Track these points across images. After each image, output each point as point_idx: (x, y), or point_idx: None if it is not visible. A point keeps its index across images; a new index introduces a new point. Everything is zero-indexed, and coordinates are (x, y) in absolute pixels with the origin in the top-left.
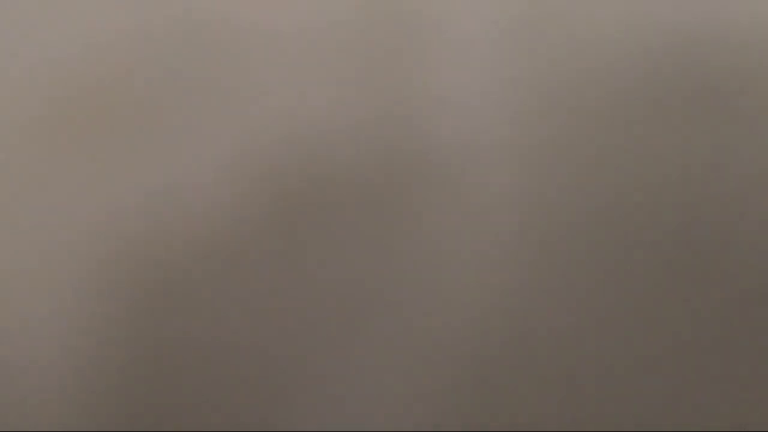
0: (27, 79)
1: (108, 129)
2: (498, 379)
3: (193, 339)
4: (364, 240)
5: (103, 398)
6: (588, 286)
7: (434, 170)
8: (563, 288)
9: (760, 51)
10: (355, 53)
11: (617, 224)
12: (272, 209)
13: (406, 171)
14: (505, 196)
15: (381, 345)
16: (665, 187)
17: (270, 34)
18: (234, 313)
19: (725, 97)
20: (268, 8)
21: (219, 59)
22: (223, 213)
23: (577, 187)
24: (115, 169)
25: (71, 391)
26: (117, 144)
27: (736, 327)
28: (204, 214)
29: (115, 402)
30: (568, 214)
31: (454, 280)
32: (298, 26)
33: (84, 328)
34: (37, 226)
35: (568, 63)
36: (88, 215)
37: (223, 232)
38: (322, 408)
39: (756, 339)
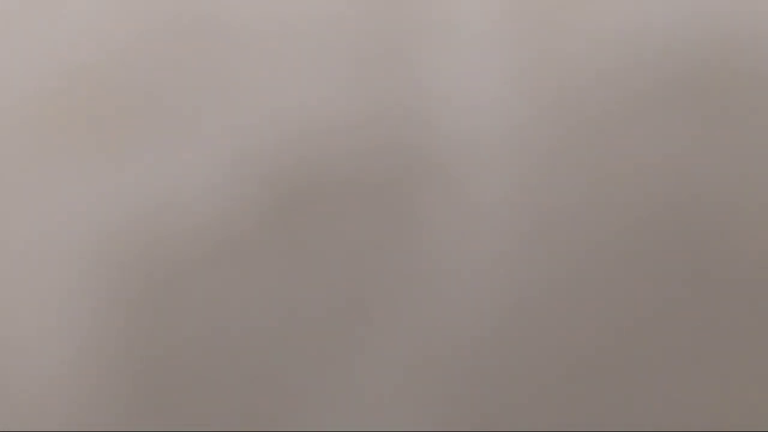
0: (26, 79)
1: (107, 128)
2: (498, 379)
3: (193, 339)
4: (364, 238)
5: (103, 398)
6: (588, 285)
7: (435, 168)
8: (563, 286)
9: (760, 51)
10: (355, 52)
11: (617, 223)
12: (272, 208)
13: (407, 169)
14: (505, 195)
15: (381, 344)
16: (665, 185)
17: (270, 33)
18: (234, 312)
19: (726, 97)
20: (267, 7)
21: (219, 59)
22: (224, 211)
23: (577, 186)
24: (115, 169)
25: (72, 391)
26: (116, 143)
27: (736, 327)
28: (204, 213)
29: (115, 402)
30: (569, 212)
31: (454, 278)
32: (298, 25)
33: (83, 327)
34: (37, 225)
35: (569, 63)
36: (88, 215)
37: (224, 231)
38: (323, 408)
39: (756, 339)
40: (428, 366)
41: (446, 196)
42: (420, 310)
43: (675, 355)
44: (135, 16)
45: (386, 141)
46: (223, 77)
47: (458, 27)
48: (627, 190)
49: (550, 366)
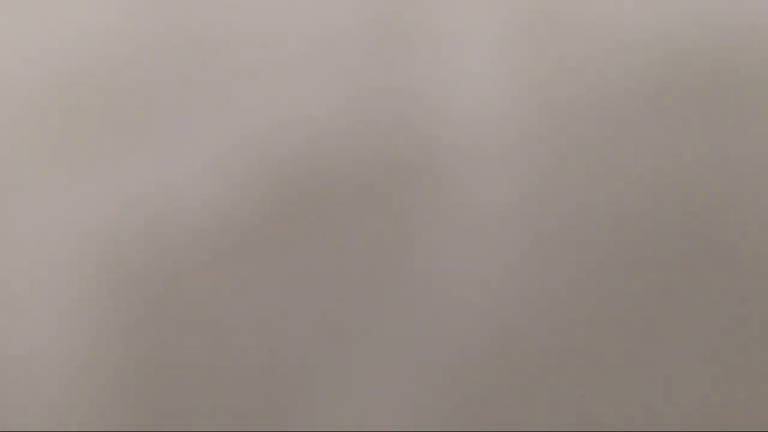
0: (25, 79)
1: (107, 129)
2: (497, 380)
3: (191, 339)
4: (362, 242)
5: (103, 398)
6: (587, 289)
7: (433, 172)
8: (562, 290)
9: (760, 52)
10: (354, 58)
11: (617, 227)
12: (271, 211)
13: (406, 173)
14: (503, 199)
15: (379, 345)
16: (666, 190)
17: (269, 35)
18: (232, 312)
19: (732, 100)
20: (267, 10)
21: (219, 60)
22: (223, 213)
23: (576, 190)
24: (115, 169)
25: (71, 391)
26: (116, 144)
27: (735, 327)
28: (203, 214)
29: (115, 402)
30: (568, 217)
31: (453, 282)
32: (298, 28)
33: (83, 327)
34: (36, 225)
35: (569, 67)
36: (87, 215)
37: (223, 232)
38: (322, 408)
39: (755, 339)
40: (427, 367)
41: (445, 199)
42: (419, 312)
43: (676, 358)
44: (136, 16)
45: (386, 144)
46: (222, 81)
47: (458, 33)
48: (628, 197)
49: (549, 367)
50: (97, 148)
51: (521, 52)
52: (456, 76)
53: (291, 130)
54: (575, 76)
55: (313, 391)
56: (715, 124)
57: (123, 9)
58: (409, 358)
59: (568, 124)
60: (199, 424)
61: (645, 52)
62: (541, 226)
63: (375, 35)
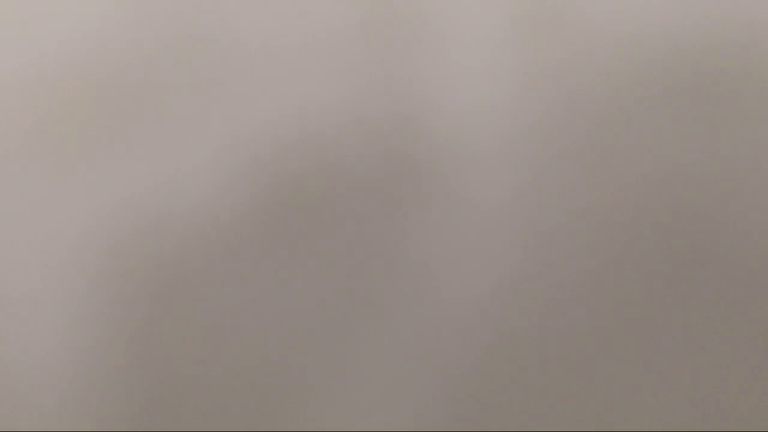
0: (24, 79)
1: (106, 128)
2: (497, 380)
3: (191, 338)
4: (362, 240)
5: (102, 398)
6: (585, 289)
7: (434, 170)
8: (560, 290)
9: (761, 52)
10: (354, 58)
11: (616, 226)
12: (270, 209)
13: (405, 172)
14: (502, 198)
15: (379, 344)
16: (666, 190)
17: (269, 34)
18: (232, 311)
19: (727, 98)
20: (268, 9)
21: (218, 60)
22: (223, 212)
23: (575, 190)
24: (114, 169)
25: (70, 391)
26: (115, 143)
27: (735, 327)
28: (202, 214)
29: (115, 402)
30: (568, 215)
31: (451, 281)
32: (299, 26)
33: (82, 327)
34: (35, 225)
35: (569, 66)
36: (86, 215)
37: (222, 232)
38: (322, 408)
39: (756, 339)
40: (427, 367)
41: (444, 198)
42: (419, 311)
43: (676, 358)
44: (136, 16)
45: (385, 143)
46: (222, 80)
47: (459, 31)
48: (628, 196)
49: (547, 367)
50: (96, 148)
51: (521, 51)
52: (456, 74)
53: (291, 129)
54: (575, 75)
55: (312, 390)
56: (716, 123)
57: (123, 9)
58: (409, 357)
59: (568, 123)
60: (199, 424)
61: (644, 52)
62: (541, 225)
63: (375, 34)
